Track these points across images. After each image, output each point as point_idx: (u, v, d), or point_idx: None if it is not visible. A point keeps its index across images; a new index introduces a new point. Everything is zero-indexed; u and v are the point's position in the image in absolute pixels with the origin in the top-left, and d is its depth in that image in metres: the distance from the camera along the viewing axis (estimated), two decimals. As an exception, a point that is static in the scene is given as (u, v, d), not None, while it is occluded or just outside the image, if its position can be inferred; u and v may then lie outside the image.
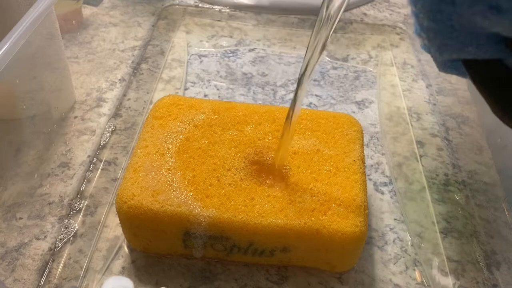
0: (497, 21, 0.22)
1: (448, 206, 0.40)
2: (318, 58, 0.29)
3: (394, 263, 0.36)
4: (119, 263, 0.34)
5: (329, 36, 0.28)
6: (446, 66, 0.28)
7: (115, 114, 0.46)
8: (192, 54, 0.54)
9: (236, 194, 0.33)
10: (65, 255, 0.34)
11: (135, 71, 0.51)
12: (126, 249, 0.35)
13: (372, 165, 0.43)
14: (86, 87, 0.48)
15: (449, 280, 0.35)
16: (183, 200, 0.32)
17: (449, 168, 0.43)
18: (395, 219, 0.39)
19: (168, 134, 0.36)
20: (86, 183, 0.39)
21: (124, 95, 0.48)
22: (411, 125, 0.47)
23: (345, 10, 0.60)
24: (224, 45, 0.56)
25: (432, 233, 0.38)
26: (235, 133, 0.37)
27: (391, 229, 0.38)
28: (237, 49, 0.56)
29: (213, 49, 0.55)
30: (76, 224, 0.36)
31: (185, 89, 0.50)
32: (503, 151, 0.44)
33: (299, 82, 0.30)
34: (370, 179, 0.42)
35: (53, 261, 0.34)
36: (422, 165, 0.43)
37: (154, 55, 0.54)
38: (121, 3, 0.61)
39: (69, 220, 0.37)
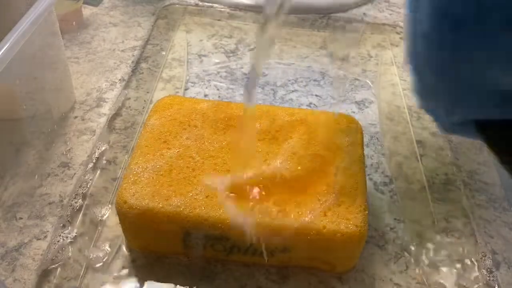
0: None
1: (448, 206, 0.40)
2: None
3: (395, 263, 0.36)
4: (119, 263, 0.34)
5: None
6: (453, 128, 0.25)
7: (115, 114, 0.46)
8: (192, 54, 0.54)
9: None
10: (65, 255, 0.34)
11: (135, 70, 0.51)
12: (126, 249, 0.35)
13: (372, 165, 0.43)
14: (86, 87, 0.48)
15: (449, 280, 0.35)
16: (183, 200, 0.32)
17: (449, 168, 0.43)
18: (395, 219, 0.39)
19: (168, 134, 0.36)
20: (86, 182, 0.39)
21: (124, 94, 0.48)
22: (411, 125, 0.47)
23: (346, 10, 0.60)
24: (224, 44, 0.56)
25: (432, 233, 0.38)
26: (235, 133, 0.37)
27: (391, 228, 0.38)
28: (237, 49, 0.56)
29: (213, 49, 0.55)
30: (76, 224, 0.36)
31: (185, 89, 0.50)
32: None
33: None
34: (370, 179, 0.41)
35: (53, 261, 0.34)
36: (422, 165, 0.43)
37: (154, 54, 0.54)
38: (121, 3, 0.61)
39: (69, 220, 0.37)
